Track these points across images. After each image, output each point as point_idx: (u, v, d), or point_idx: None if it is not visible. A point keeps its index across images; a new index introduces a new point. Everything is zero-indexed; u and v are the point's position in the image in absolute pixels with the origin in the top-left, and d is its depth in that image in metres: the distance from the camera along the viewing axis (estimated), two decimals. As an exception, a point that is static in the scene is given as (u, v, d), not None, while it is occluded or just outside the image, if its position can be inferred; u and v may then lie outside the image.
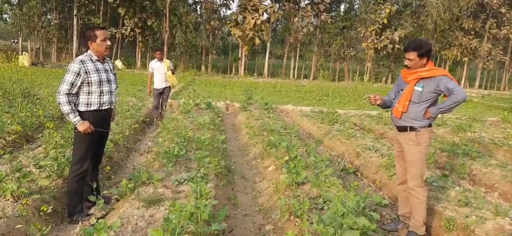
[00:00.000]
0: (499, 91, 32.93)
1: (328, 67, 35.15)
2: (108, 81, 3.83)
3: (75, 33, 31.20)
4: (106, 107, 3.88)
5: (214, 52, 34.10)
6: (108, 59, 3.98)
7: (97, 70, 3.72)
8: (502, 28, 30.81)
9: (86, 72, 3.63)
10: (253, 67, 35.53)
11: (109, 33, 24.21)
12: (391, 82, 33.04)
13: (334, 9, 36.73)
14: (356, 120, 10.69)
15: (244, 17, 30.48)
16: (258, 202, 4.85)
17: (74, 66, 3.62)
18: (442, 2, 29.05)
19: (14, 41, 37.64)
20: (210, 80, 23.86)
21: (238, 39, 31.70)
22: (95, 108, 3.78)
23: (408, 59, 3.65)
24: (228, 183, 5.33)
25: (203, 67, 33.19)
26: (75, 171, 3.88)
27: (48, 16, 33.25)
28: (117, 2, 29.49)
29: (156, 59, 8.72)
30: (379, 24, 30.12)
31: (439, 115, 3.84)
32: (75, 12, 30.81)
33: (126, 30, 31.19)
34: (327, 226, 3.03)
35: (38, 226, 3.14)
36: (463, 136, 8.78)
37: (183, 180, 4.51)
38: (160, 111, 8.86)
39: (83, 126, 3.70)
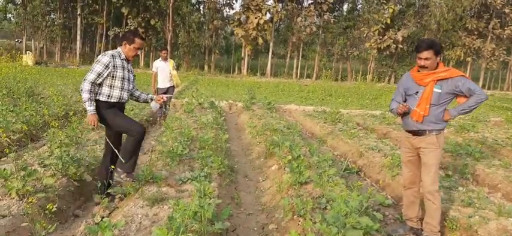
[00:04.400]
0: (503, 92, 32.80)
1: (331, 67, 35.08)
2: (128, 79, 4.16)
3: (78, 32, 31.29)
4: (123, 101, 4.20)
5: (217, 52, 34.14)
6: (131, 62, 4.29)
7: (123, 67, 4.05)
8: (506, 28, 30.69)
9: (114, 66, 3.94)
10: (256, 67, 35.53)
11: (112, 32, 24.35)
12: (394, 82, 32.96)
13: (337, 9, 36.67)
14: (359, 120, 10.69)
15: (247, 17, 30.49)
16: (261, 201, 4.86)
17: (105, 58, 3.90)
18: (446, 2, 28.99)
19: (18, 40, 37.81)
20: (213, 80, 23.90)
21: (241, 39, 31.70)
22: (115, 101, 4.06)
23: (424, 59, 3.48)
24: (231, 182, 5.35)
25: (206, 67, 33.23)
26: (135, 137, 4.09)
27: (52, 15, 33.37)
28: (121, 2, 29.57)
29: (160, 58, 8.75)
30: (382, 24, 30.05)
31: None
32: (78, 12, 30.92)
33: (130, 29, 31.27)
34: (330, 226, 3.04)
35: (43, 224, 3.17)
36: (466, 136, 8.76)
37: (186, 179, 4.53)
38: (163, 110, 8.90)
39: (92, 117, 3.91)
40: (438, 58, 3.52)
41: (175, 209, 3.18)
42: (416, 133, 3.67)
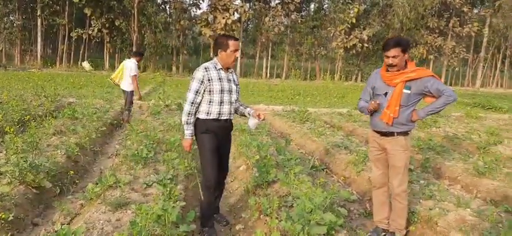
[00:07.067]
0: (463, 88, 34.18)
1: (299, 66, 35.41)
2: (229, 90, 3.70)
3: (39, 34, 30.12)
4: (225, 117, 3.73)
5: (185, 52, 33.72)
6: (232, 69, 3.84)
7: (220, 78, 3.63)
8: (465, 26, 31.96)
9: (208, 80, 3.57)
10: (225, 68, 35.32)
11: (75, 34, 23.31)
12: (361, 81, 33.68)
13: (304, 8, 37.03)
14: (326, 118, 10.85)
15: (215, 17, 30.29)
16: (229, 202, 4.84)
17: (198, 73, 3.58)
18: (408, 2, 29.84)
19: (-26, 43, 35.99)
20: (181, 81, 23.58)
21: (209, 39, 31.45)
22: (214, 117, 3.66)
23: (392, 57, 3.41)
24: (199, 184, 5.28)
25: (174, 68, 32.74)
26: (203, 179, 3.84)
27: (11, 17, 31.91)
28: (83, 2, 28.62)
29: (134, 61, 8.65)
30: (348, 23, 30.61)
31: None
32: (38, 13, 29.73)
33: (93, 31, 30.33)
34: (295, 223, 3.05)
35: (-3, 235, 3.02)
36: (428, 131, 9.06)
37: (151, 183, 4.45)
38: (127, 112, 8.84)
39: (186, 142, 3.72)
40: (406, 55, 3.45)
41: (137, 213, 3.11)
42: (384, 134, 3.63)
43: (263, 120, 3.79)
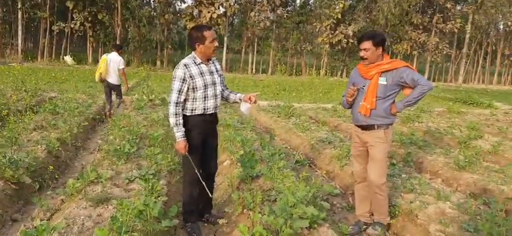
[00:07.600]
0: (446, 83, 34.75)
1: (285, 61, 35.43)
2: (213, 83, 3.57)
3: (20, 27, 29.45)
4: (210, 112, 3.62)
5: (169, 47, 33.40)
6: (214, 58, 3.68)
7: (201, 73, 3.49)
8: (448, 23, 32.42)
9: (190, 77, 3.42)
10: (211, 62, 35.08)
11: (57, 27, 22.78)
12: (346, 76, 33.91)
13: (290, 3, 37.03)
14: (311, 113, 10.89)
15: (200, 11, 30.05)
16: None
17: (179, 71, 3.42)
18: (393, -2, 30.12)
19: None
20: (165, 75, 23.36)
21: (194, 34, 31.20)
22: (200, 113, 3.55)
23: (363, 50, 3.51)
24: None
25: (158, 62, 32.42)
26: (184, 176, 3.78)
27: (-10, 10, 31.17)
28: (65, -5, 28.08)
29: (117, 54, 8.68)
30: (334, 19, 30.74)
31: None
32: (19, 6, 29.04)
33: (76, 24, 29.76)
34: (277, 217, 3.06)
35: (-27, 232, 2.95)
36: (411, 126, 9.18)
37: (133, 178, 4.41)
38: (118, 103, 8.89)
39: (179, 145, 3.49)
40: (379, 50, 3.49)
41: (118, 208, 3.07)
42: (365, 127, 3.66)
43: (255, 102, 3.67)
